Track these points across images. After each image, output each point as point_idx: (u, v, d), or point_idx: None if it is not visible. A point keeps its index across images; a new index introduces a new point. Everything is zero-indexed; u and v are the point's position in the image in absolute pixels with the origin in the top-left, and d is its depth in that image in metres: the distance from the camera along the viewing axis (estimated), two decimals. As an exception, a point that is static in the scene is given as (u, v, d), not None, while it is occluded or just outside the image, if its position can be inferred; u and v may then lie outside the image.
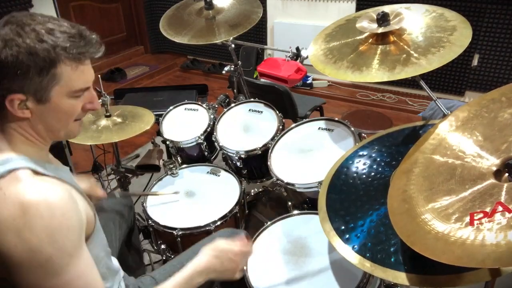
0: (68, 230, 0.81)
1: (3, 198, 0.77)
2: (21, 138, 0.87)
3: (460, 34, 1.22)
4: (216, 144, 1.80)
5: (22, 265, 0.78)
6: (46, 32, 0.81)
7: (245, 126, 1.85)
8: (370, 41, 1.33)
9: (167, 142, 1.90)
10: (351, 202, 1.11)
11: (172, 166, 1.77)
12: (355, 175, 1.20)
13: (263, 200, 1.91)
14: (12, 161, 0.82)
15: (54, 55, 0.81)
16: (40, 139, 0.89)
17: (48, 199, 0.79)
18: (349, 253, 0.97)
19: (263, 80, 2.24)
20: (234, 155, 1.72)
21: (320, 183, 1.38)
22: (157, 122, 1.94)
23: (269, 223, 1.38)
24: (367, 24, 1.34)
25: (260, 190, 1.96)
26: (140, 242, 1.74)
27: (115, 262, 1.15)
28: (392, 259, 0.91)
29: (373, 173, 1.18)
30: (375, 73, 1.22)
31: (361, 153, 1.26)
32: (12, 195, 0.77)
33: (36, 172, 0.83)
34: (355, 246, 0.97)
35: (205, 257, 1.07)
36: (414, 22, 1.34)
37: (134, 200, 1.88)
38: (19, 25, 0.80)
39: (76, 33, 0.84)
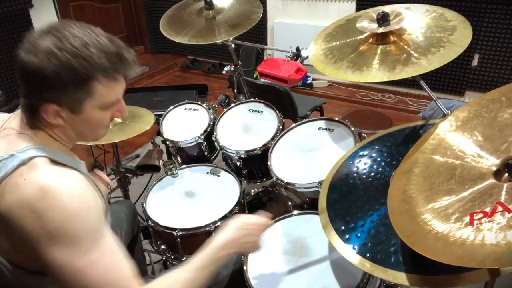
0: (89, 210, 0.84)
1: (23, 183, 0.81)
2: (47, 136, 0.91)
3: (460, 34, 1.22)
4: (216, 144, 1.80)
5: (50, 246, 0.80)
6: (85, 47, 0.83)
7: (245, 126, 1.85)
8: (370, 41, 1.33)
9: (167, 142, 1.90)
10: (352, 202, 1.11)
11: (172, 166, 1.77)
12: (355, 175, 1.20)
13: (263, 200, 1.91)
14: (31, 149, 0.86)
15: (92, 72, 0.84)
16: (67, 140, 0.95)
17: (66, 183, 0.84)
18: (349, 253, 0.97)
19: (263, 80, 2.24)
20: (234, 155, 1.72)
21: (320, 183, 1.38)
22: (157, 122, 1.94)
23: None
24: (367, 24, 1.34)
25: (260, 190, 1.96)
26: (143, 252, 1.74)
27: None
28: (392, 259, 0.91)
29: (373, 173, 1.18)
30: (375, 73, 1.22)
31: (361, 153, 1.26)
32: (32, 179, 0.81)
33: (53, 161, 0.87)
34: (355, 246, 0.97)
35: (227, 230, 1.06)
36: (414, 22, 1.34)
37: (137, 188, 1.88)
38: (59, 38, 0.83)
39: (114, 52, 0.87)
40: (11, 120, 0.93)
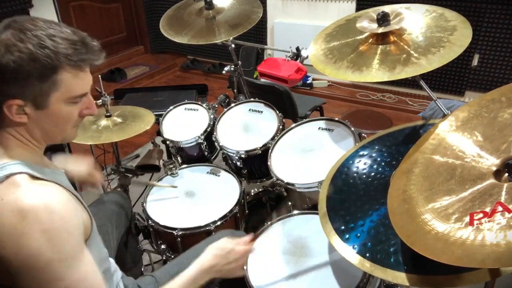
0: (68, 234, 0.80)
1: (1, 204, 0.77)
2: (16, 142, 0.86)
3: (460, 34, 1.22)
4: (216, 144, 1.80)
5: (23, 271, 0.77)
6: (48, 38, 0.80)
7: (245, 126, 1.85)
8: (370, 41, 1.33)
9: (167, 142, 1.90)
10: (351, 202, 1.11)
11: (172, 166, 1.77)
12: (355, 175, 1.20)
13: (263, 200, 1.91)
14: (8, 166, 0.82)
15: (56, 62, 0.80)
16: (35, 143, 0.89)
17: (47, 203, 0.79)
18: (349, 253, 0.97)
19: (263, 80, 2.24)
20: (234, 155, 1.72)
21: (320, 183, 1.38)
22: (157, 122, 1.94)
23: (269, 223, 1.38)
24: (367, 24, 1.34)
25: (260, 190, 1.96)
26: (137, 241, 1.74)
27: (112, 263, 1.15)
28: (392, 259, 0.91)
29: (373, 173, 1.18)
30: (375, 73, 1.22)
31: (361, 153, 1.26)
32: (10, 201, 0.77)
33: (33, 177, 0.82)
34: (355, 246, 0.97)
35: (209, 256, 1.08)
36: (414, 22, 1.34)
37: (137, 188, 1.88)
38: (20, 30, 0.80)
39: (78, 40, 0.84)
40: None
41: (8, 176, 0.80)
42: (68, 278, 0.80)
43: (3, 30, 0.80)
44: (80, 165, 1.40)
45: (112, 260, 1.16)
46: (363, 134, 1.53)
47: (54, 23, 0.84)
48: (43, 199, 0.79)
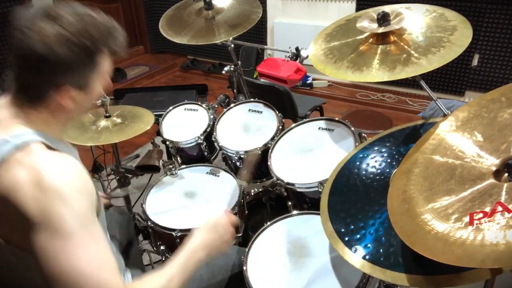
0: (81, 194, 0.84)
1: (19, 167, 0.82)
2: (41, 120, 0.90)
3: (460, 34, 1.22)
4: (216, 144, 1.80)
5: (39, 229, 0.80)
6: (87, 23, 0.86)
7: (245, 126, 1.85)
8: (370, 41, 1.33)
9: (167, 142, 1.90)
10: (352, 203, 1.11)
11: (171, 166, 1.77)
12: (356, 176, 1.19)
13: (263, 200, 1.91)
14: (26, 134, 0.86)
15: (98, 46, 0.88)
16: (61, 125, 0.95)
17: (60, 167, 0.84)
18: (349, 254, 0.97)
19: (263, 80, 2.24)
20: (234, 155, 1.72)
21: (320, 183, 1.38)
22: (157, 122, 1.94)
23: (269, 223, 1.38)
24: (367, 24, 1.34)
25: (260, 190, 1.96)
26: (137, 241, 1.73)
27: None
28: (392, 260, 0.91)
29: (374, 175, 1.18)
30: (375, 73, 1.22)
31: (361, 155, 1.26)
32: (27, 165, 0.82)
33: (49, 147, 0.87)
34: (355, 248, 0.97)
35: (200, 235, 1.08)
36: (415, 22, 1.33)
37: (137, 188, 1.86)
38: (59, 19, 0.84)
39: (111, 26, 0.91)
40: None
41: (25, 143, 0.84)
42: (77, 238, 0.80)
43: (42, 22, 0.83)
44: None
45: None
46: (363, 134, 1.53)
47: (79, 6, 0.89)
48: (57, 163, 0.84)
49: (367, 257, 0.94)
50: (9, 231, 0.88)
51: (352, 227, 1.03)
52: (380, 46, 1.29)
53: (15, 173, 0.81)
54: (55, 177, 0.81)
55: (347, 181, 1.19)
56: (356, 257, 0.95)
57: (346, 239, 1.00)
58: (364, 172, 1.19)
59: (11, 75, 0.89)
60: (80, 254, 0.80)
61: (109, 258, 0.85)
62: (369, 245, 0.96)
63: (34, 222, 0.80)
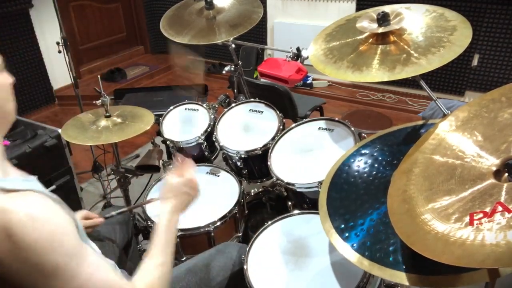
0: (63, 234, 0.77)
1: None
2: None
3: (460, 34, 1.22)
4: (216, 144, 1.80)
5: (36, 283, 0.75)
6: None
7: (246, 126, 1.85)
8: (370, 41, 1.33)
9: (168, 142, 1.90)
10: (352, 200, 1.11)
11: (171, 166, 1.77)
12: (356, 173, 1.20)
13: (263, 200, 1.91)
14: None
15: None
16: None
17: (29, 213, 0.74)
18: (348, 251, 0.97)
19: (263, 80, 2.24)
20: (235, 155, 1.72)
21: (320, 183, 1.38)
22: (157, 122, 1.94)
23: (269, 223, 1.38)
24: (367, 24, 1.34)
25: (260, 190, 1.96)
26: (137, 241, 1.74)
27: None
28: (391, 258, 0.91)
29: (374, 172, 1.18)
30: (375, 73, 1.22)
31: (362, 151, 1.26)
32: None
33: (6, 190, 0.76)
34: (354, 245, 0.97)
35: (168, 205, 1.07)
36: (415, 22, 1.34)
37: (137, 188, 1.84)
38: None
39: None
40: None
41: None
42: (81, 273, 0.78)
43: None
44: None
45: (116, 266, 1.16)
46: (363, 134, 1.53)
47: None
48: (23, 210, 0.73)
49: (366, 254, 0.94)
50: None
51: (352, 224, 1.03)
52: (380, 46, 1.29)
53: None
54: (28, 230, 0.72)
55: (347, 178, 1.19)
56: (355, 254, 0.95)
57: (345, 235, 1.00)
58: (364, 170, 1.19)
59: None
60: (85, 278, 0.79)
61: (114, 278, 0.84)
62: (368, 242, 0.97)
63: (32, 282, 0.74)
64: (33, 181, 0.85)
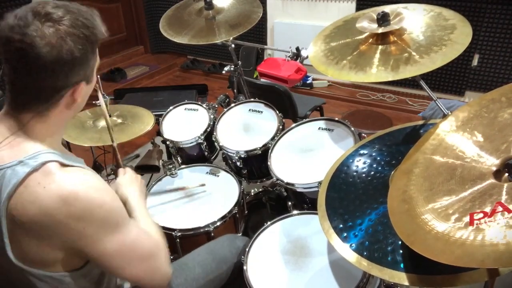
0: (113, 196, 0.91)
1: (44, 193, 0.81)
2: (45, 131, 0.89)
3: (460, 32, 1.22)
4: (216, 144, 1.80)
5: (99, 240, 0.87)
6: (78, 13, 0.85)
7: (245, 126, 1.85)
8: (370, 41, 1.33)
9: (167, 142, 1.90)
10: (350, 200, 1.11)
11: (171, 166, 1.77)
12: (354, 173, 1.20)
13: (263, 200, 1.91)
14: (40, 154, 0.85)
15: (97, 35, 0.88)
16: (62, 130, 0.96)
17: (83, 183, 0.85)
18: (346, 251, 0.97)
19: (263, 80, 2.24)
20: (234, 155, 1.72)
21: (320, 183, 1.38)
22: (157, 122, 1.94)
23: (269, 223, 1.38)
24: (367, 24, 1.33)
25: (260, 190, 1.96)
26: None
27: None
28: (389, 258, 0.91)
29: (372, 172, 1.18)
30: (378, 73, 1.22)
31: (361, 152, 1.26)
32: (51, 188, 0.81)
33: (63, 164, 0.86)
34: (352, 245, 0.97)
35: (130, 190, 1.18)
36: (414, 21, 1.33)
37: None
38: (53, 18, 0.81)
39: (92, 11, 0.90)
40: None
41: (42, 164, 0.83)
42: (133, 225, 0.95)
43: (37, 24, 0.79)
44: None
45: None
46: (363, 134, 1.53)
47: (71, 3, 0.88)
48: (78, 181, 0.85)
49: (364, 254, 0.94)
50: (39, 251, 0.86)
51: (350, 223, 1.03)
52: (380, 46, 1.29)
53: (43, 201, 0.80)
54: (83, 195, 0.83)
55: (346, 178, 1.19)
56: (354, 254, 0.95)
57: (344, 235, 1.00)
58: (363, 170, 1.19)
59: (9, 87, 0.85)
60: (143, 238, 0.96)
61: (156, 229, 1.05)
62: (367, 242, 0.97)
63: (89, 238, 0.86)
64: (81, 162, 0.96)
